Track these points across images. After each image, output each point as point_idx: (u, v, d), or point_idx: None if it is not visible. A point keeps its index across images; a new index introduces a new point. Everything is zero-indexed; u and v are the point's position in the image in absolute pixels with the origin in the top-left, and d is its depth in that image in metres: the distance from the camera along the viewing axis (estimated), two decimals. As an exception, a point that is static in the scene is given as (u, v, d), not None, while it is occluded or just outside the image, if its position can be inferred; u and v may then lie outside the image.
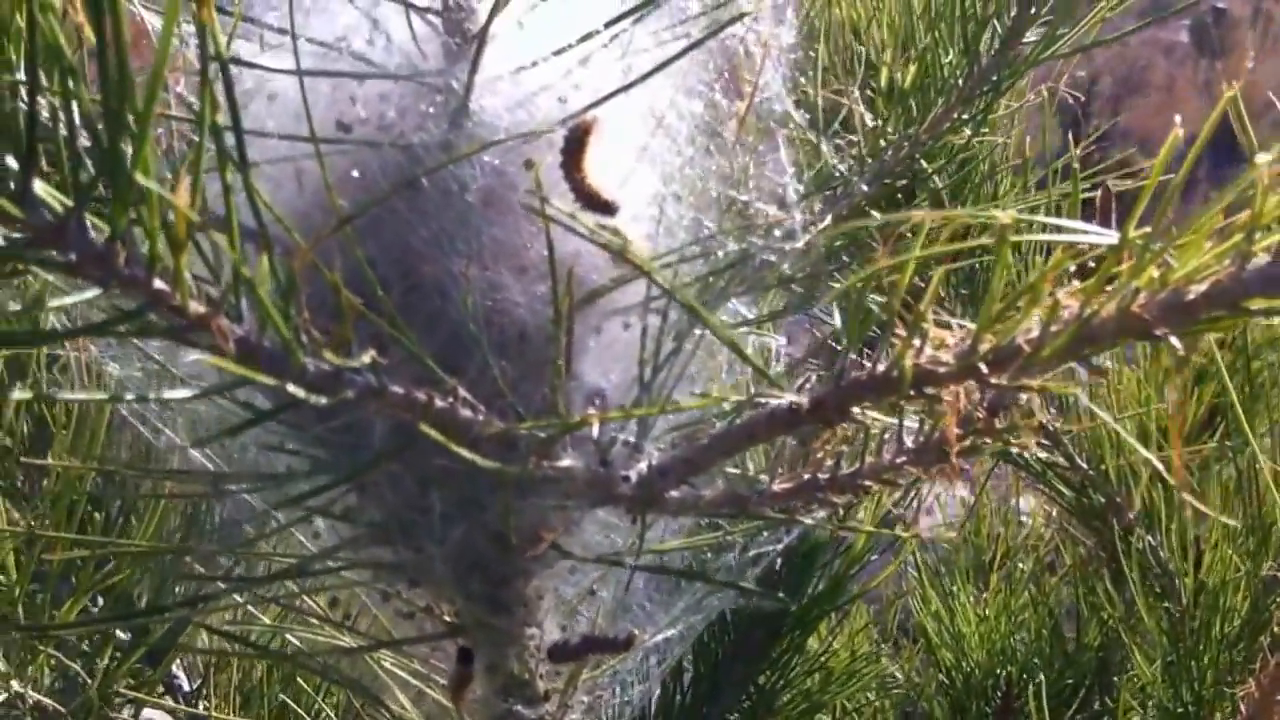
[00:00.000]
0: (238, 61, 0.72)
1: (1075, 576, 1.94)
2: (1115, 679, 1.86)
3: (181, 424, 0.87)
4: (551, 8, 0.78)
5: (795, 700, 1.52)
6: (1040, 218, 0.73)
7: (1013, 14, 1.13)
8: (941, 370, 0.69)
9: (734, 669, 1.49)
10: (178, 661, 1.30)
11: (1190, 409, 1.73)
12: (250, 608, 0.95)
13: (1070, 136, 1.32)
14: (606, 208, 0.72)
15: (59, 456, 1.06)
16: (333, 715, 1.23)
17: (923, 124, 1.16)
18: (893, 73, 1.15)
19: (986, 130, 1.19)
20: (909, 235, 0.96)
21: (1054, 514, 2.17)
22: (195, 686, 1.31)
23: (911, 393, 0.70)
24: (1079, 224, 0.63)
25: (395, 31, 0.77)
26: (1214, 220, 0.62)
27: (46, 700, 1.11)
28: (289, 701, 1.18)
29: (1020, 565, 2.20)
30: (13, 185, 0.53)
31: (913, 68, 1.10)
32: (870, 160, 1.15)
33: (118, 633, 1.17)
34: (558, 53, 0.76)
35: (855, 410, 0.74)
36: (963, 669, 1.93)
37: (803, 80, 1.06)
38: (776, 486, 0.85)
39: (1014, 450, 1.82)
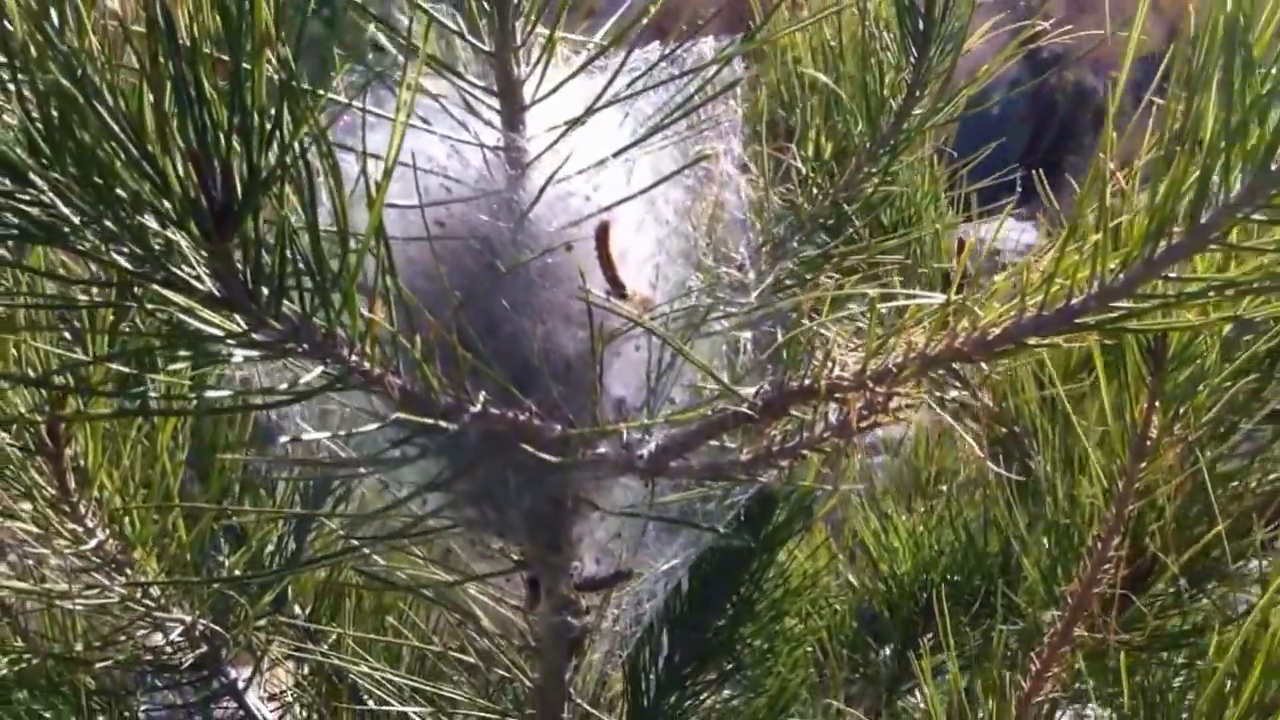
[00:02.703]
0: (390, 205, 0.97)
1: (983, 496, 2.17)
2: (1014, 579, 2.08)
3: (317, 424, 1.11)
4: (576, 136, 1.03)
5: (768, 606, 1.78)
6: (896, 290, 1.00)
7: (903, 97, 1.38)
8: (844, 383, 0.96)
9: (720, 583, 1.74)
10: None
11: (1071, 357, 1.95)
12: (375, 555, 1.19)
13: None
14: (621, 290, 0.98)
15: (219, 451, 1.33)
16: (417, 621, 1.47)
17: (841, 177, 1.41)
18: (818, 142, 1.40)
19: (890, 179, 1.43)
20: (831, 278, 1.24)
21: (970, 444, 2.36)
22: (307, 614, 1.56)
23: (826, 397, 0.98)
24: (922, 293, 0.90)
25: (473, 159, 1.02)
26: (1004, 287, 0.89)
27: (213, 625, 1.37)
28: (393, 623, 1.43)
29: (943, 488, 2.45)
30: (269, 307, 0.80)
31: (829, 145, 1.35)
32: (805, 205, 1.41)
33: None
34: (581, 171, 1.01)
35: (791, 409, 1.01)
36: (896, 576, 2.19)
37: (753, 149, 1.33)
38: (743, 456, 1.11)
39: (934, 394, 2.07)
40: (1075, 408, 1.69)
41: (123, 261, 0.76)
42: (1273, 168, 0.77)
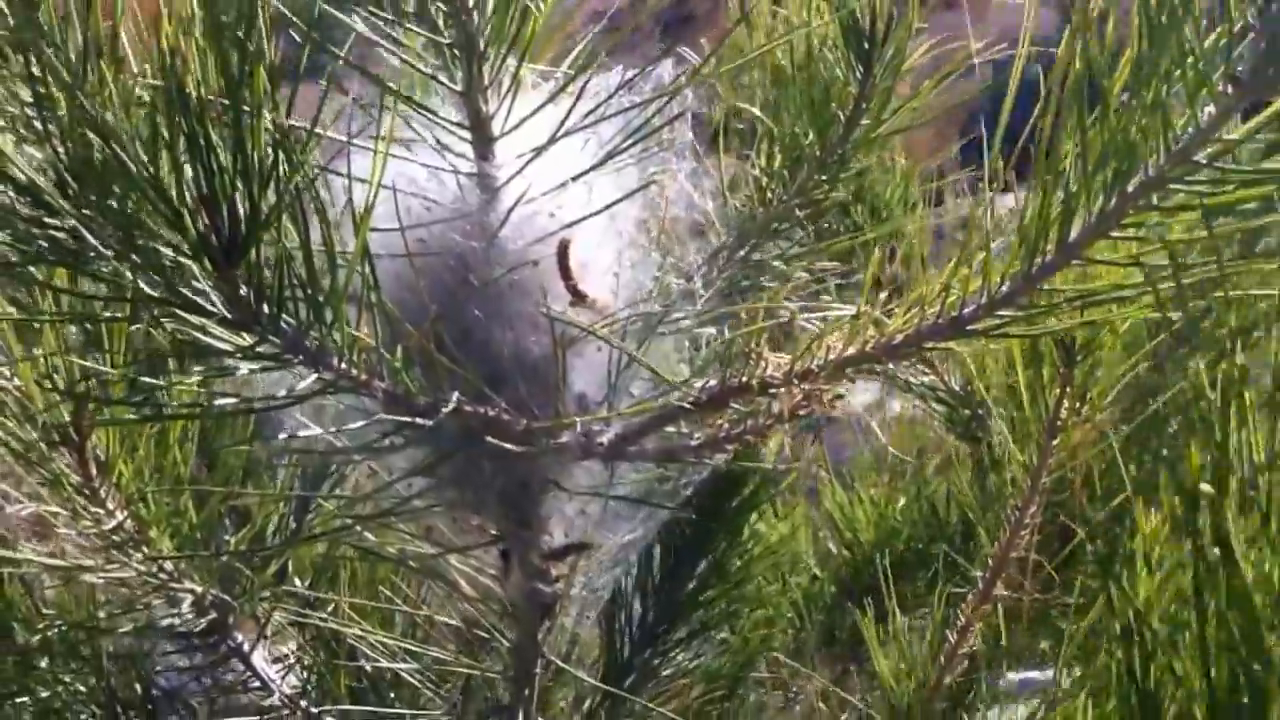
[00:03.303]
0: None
1: (945, 471, 2.32)
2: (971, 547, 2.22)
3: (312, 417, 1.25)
4: (541, 161, 1.16)
5: (734, 573, 1.91)
6: (821, 303, 1.13)
7: (850, 110, 1.50)
8: (775, 381, 1.10)
9: (690, 553, 1.88)
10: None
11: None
12: (367, 532, 1.33)
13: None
14: (582, 298, 1.12)
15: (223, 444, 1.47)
16: (408, 593, 1.61)
17: (793, 184, 1.54)
18: (770, 153, 1.53)
19: (839, 186, 1.55)
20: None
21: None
22: (307, 585, 1.70)
23: (759, 393, 1.11)
24: (838, 305, 1.03)
25: (450, 183, 1.15)
26: (911, 299, 1.02)
27: (220, 593, 1.50)
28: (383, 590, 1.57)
29: (909, 462, 2.59)
30: (272, 322, 0.93)
31: (779, 156, 1.48)
32: (760, 209, 1.53)
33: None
34: (545, 193, 1.15)
35: (730, 402, 1.15)
36: (860, 544, 2.34)
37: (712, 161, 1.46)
38: (693, 441, 1.25)
39: (901, 377, 2.20)
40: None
41: (143, 286, 0.89)
42: (1112, 202, 0.91)
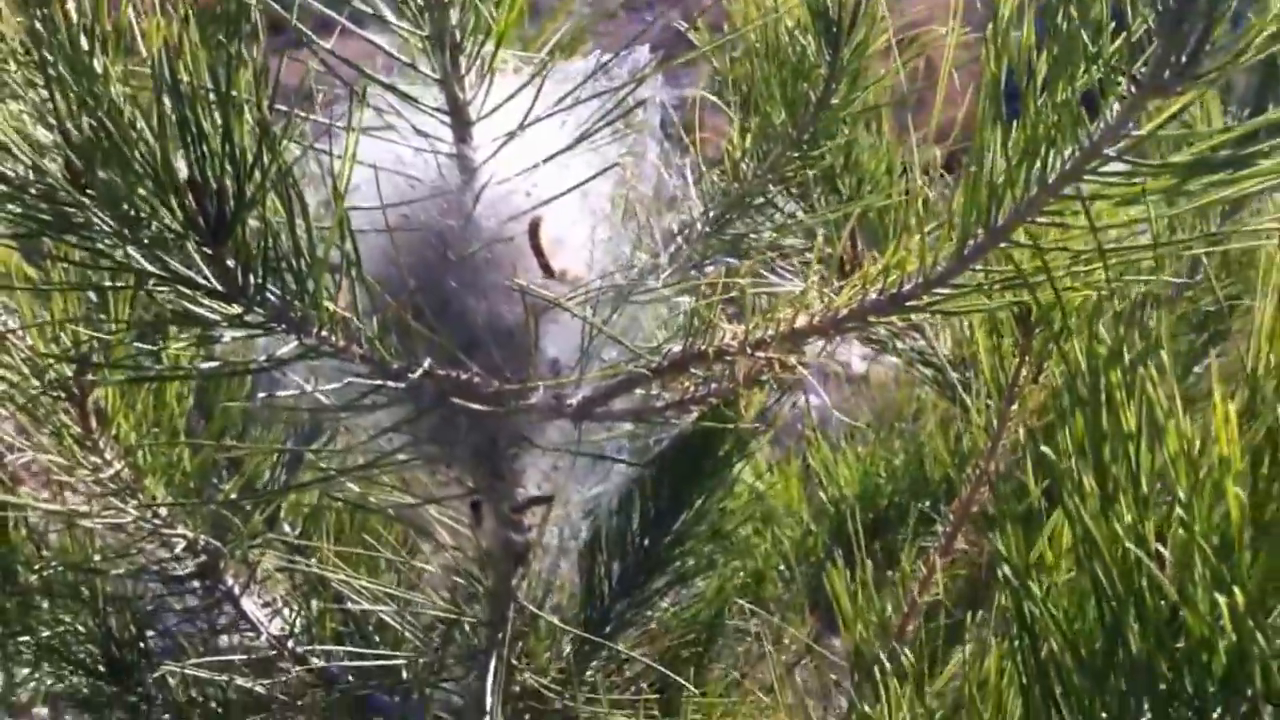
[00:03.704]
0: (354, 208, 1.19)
1: (931, 431, 2.41)
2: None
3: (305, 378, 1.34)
4: (518, 142, 1.25)
5: (714, 522, 2.01)
6: (773, 277, 1.23)
7: (820, 90, 1.58)
8: (731, 349, 1.20)
9: (669, 506, 1.98)
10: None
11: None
12: (351, 483, 1.43)
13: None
14: (551, 273, 1.21)
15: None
16: (392, 540, 1.71)
17: (766, 160, 1.62)
18: (744, 129, 1.61)
19: (812, 162, 1.63)
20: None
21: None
22: (298, 532, 1.80)
23: (716, 360, 1.21)
24: (787, 281, 1.13)
25: (431, 162, 1.25)
26: (856, 278, 1.12)
27: (211, 539, 1.61)
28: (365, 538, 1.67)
29: (896, 424, 2.69)
30: (258, 294, 1.03)
31: (751, 135, 1.57)
32: (735, 184, 1.62)
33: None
34: (521, 173, 1.24)
35: (690, 368, 1.25)
36: (844, 499, 2.44)
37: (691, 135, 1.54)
38: (659, 403, 1.35)
39: (890, 342, 2.29)
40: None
41: (139, 258, 0.99)
42: (1033, 191, 1.00)
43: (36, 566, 1.57)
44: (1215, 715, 0.79)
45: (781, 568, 2.60)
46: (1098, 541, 0.79)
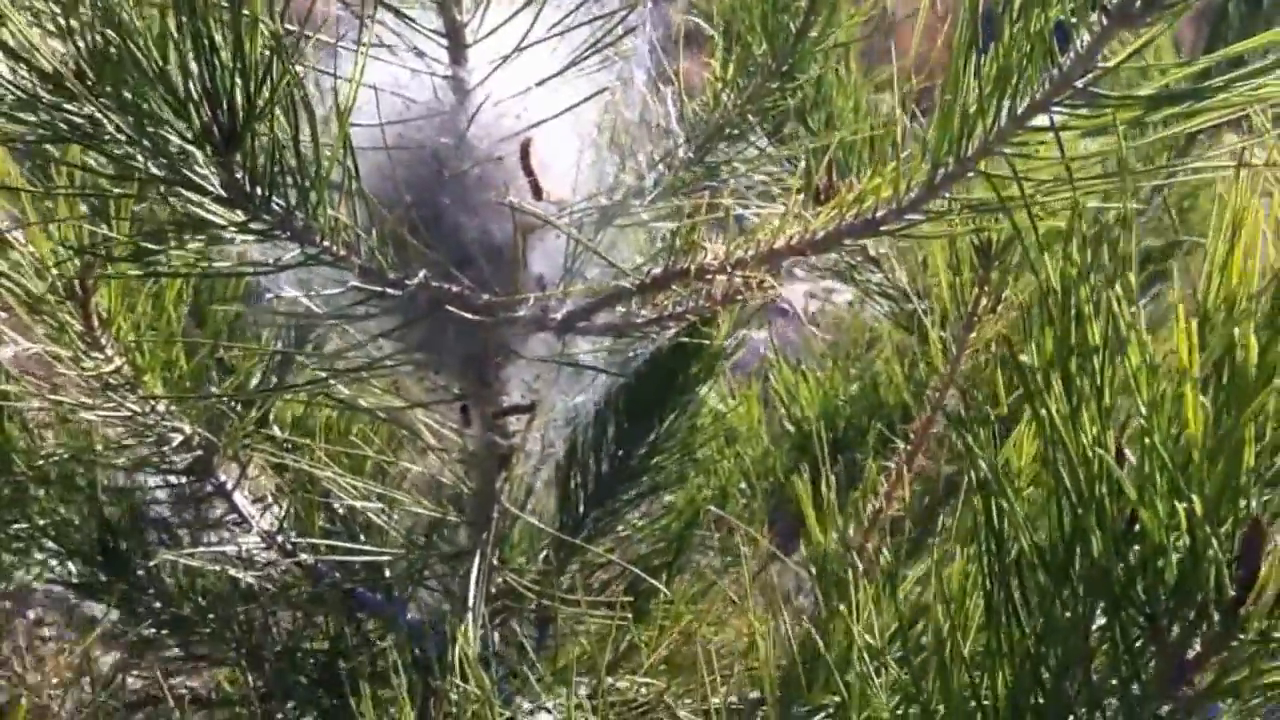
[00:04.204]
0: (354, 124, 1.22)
1: (888, 357, 2.46)
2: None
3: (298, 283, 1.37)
4: (512, 66, 1.28)
5: (682, 437, 2.06)
6: (754, 202, 1.26)
7: (800, 21, 1.61)
8: (710, 268, 1.23)
9: (642, 419, 2.03)
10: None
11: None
12: (340, 386, 1.47)
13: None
14: (540, 193, 1.25)
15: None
16: (379, 443, 1.74)
17: (746, 90, 1.65)
18: (726, 59, 1.64)
19: (790, 94, 1.66)
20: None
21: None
22: (286, 433, 1.84)
23: (697, 278, 1.25)
24: (770, 206, 1.17)
25: (426, 82, 1.27)
26: (833, 202, 1.16)
27: (206, 433, 1.64)
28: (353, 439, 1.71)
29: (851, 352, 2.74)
30: (263, 202, 1.06)
31: (734, 64, 1.59)
32: (716, 114, 1.64)
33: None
34: (513, 95, 1.27)
35: (671, 285, 1.29)
36: (808, 420, 2.49)
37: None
38: (639, 318, 1.39)
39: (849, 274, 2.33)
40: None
41: (152, 168, 1.02)
42: (1003, 121, 1.04)
43: (42, 454, 1.60)
44: (1164, 620, 0.84)
45: (743, 485, 2.64)
46: (1065, 446, 0.83)
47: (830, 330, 3.10)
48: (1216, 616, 0.78)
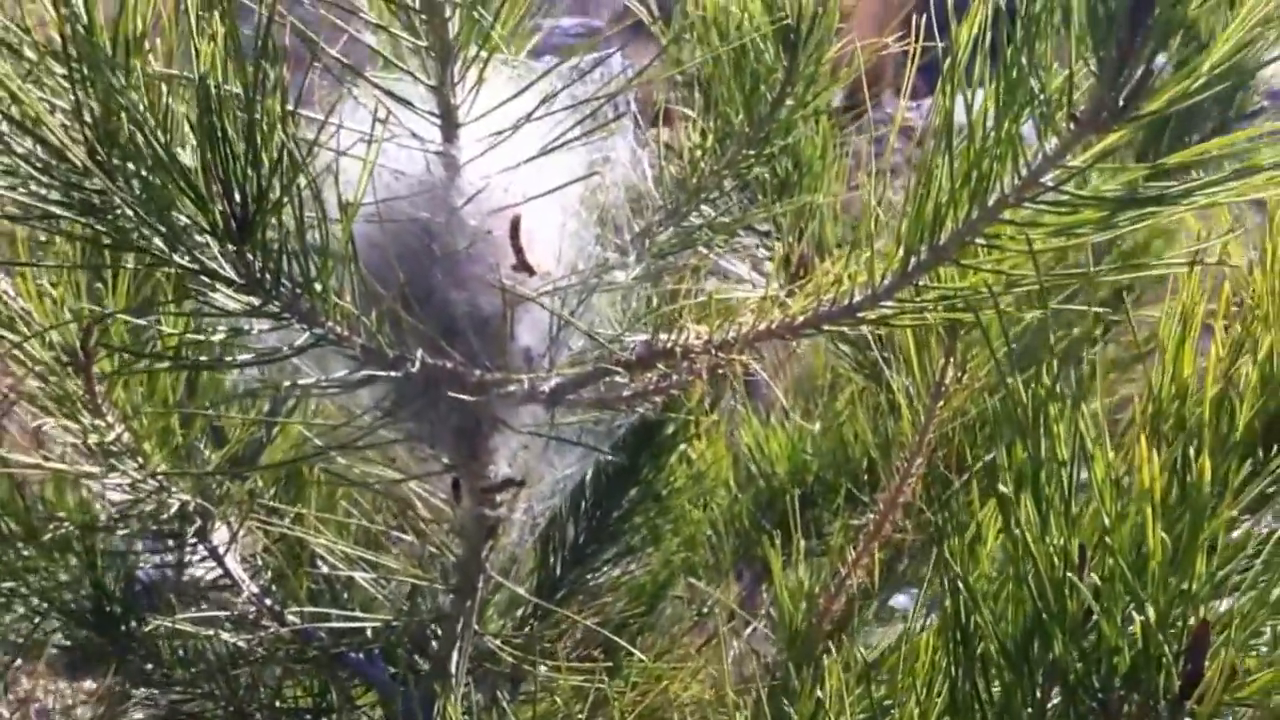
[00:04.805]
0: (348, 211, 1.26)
1: (852, 407, 2.50)
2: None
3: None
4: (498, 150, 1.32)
5: (656, 498, 2.09)
6: (733, 286, 1.31)
7: (775, 92, 1.65)
8: (695, 349, 1.27)
9: (618, 483, 2.06)
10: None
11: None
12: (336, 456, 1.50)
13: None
14: (528, 269, 1.29)
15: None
16: (366, 506, 1.77)
17: (724, 157, 1.69)
18: (704, 129, 1.68)
19: (763, 162, 1.70)
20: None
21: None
22: (274, 495, 1.87)
23: (682, 358, 1.29)
24: (751, 284, 1.21)
25: (417, 157, 1.31)
26: (809, 287, 1.20)
27: (202, 501, 1.67)
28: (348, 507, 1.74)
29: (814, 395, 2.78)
30: (274, 288, 1.09)
31: (711, 134, 1.64)
32: (693, 180, 1.69)
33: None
34: (500, 171, 1.31)
35: (656, 363, 1.33)
36: (777, 475, 2.53)
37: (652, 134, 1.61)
38: (625, 392, 1.43)
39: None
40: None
41: (181, 260, 1.06)
42: (974, 214, 1.09)
43: (51, 526, 1.63)
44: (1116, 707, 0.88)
45: (710, 533, 2.67)
46: (1033, 554, 0.88)
47: (793, 364, 3.13)
48: (1164, 708, 0.83)
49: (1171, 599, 0.81)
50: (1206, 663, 0.80)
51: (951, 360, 1.55)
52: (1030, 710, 0.92)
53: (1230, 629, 0.83)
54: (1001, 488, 0.88)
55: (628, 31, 1.75)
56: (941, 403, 1.58)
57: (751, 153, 1.68)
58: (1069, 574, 0.84)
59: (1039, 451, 0.86)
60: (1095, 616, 0.85)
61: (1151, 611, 0.80)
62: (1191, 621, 0.81)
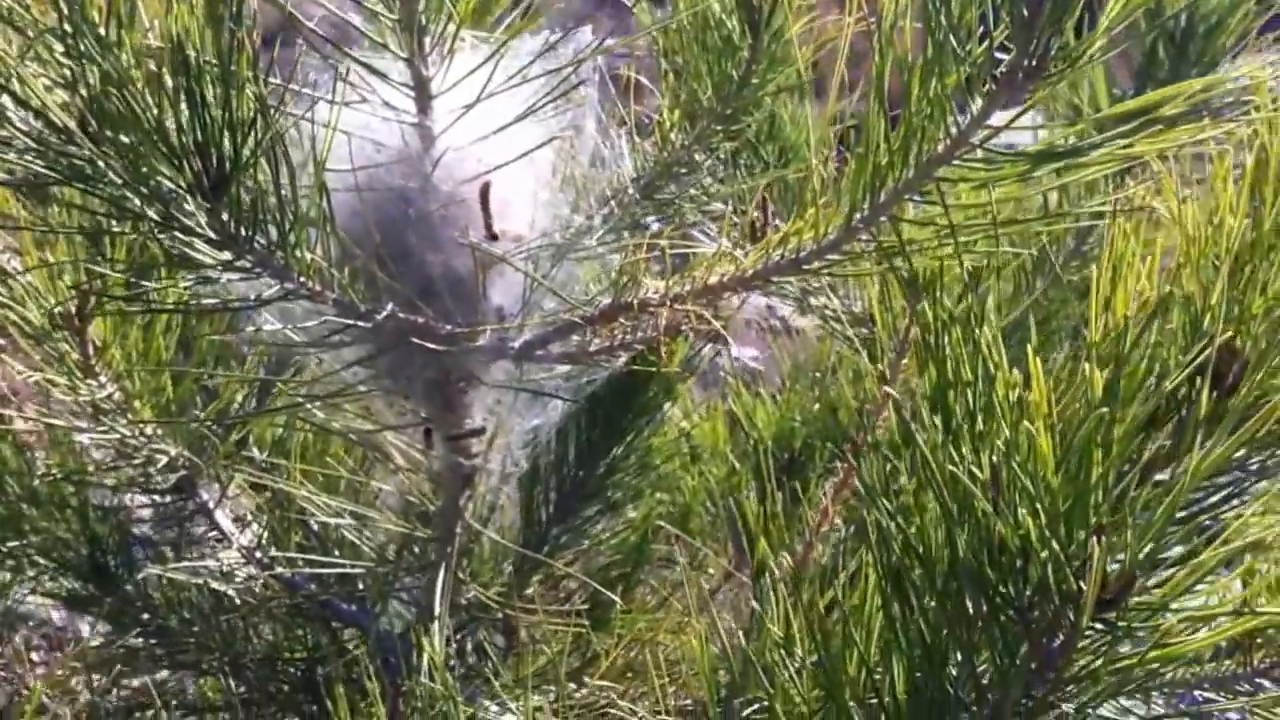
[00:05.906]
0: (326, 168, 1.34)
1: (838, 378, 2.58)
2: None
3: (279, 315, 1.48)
4: (473, 114, 1.39)
5: (638, 458, 2.17)
6: (701, 237, 1.38)
7: (743, 69, 1.72)
8: (652, 303, 1.35)
9: (602, 442, 2.13)
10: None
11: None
12: (315, 410, 1.57)
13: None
14: (494, 236, 1.36)
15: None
16: (352, 463, 1.85)
17: (693, 132, 1.76)
18: (673, 106, 1.75)
19: (734, 135, 1.77)
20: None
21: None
22: (265, 455, 1.94)
23: (640, 312, 1.37)
24: (705, 242, 1.28)
25: (395, 128, 1.39)
26: (760, 243, 1.27)
27: (190, 455, 1.75)
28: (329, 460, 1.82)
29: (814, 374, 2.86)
30: (247, 244, 1.17)
31: (679, 110, 1.71)
32: (664, 152, 1.75)
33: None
34: (473, 142, 1.38)
35: (618, 318, 1.40)
36: (764, 442, 2.60)
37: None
38: (591, 348, 1.51)
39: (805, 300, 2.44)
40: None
41: (147, 210, 1.13)
42: (910, 173, 1.16)
43: (39, 474, 1.71)
44: (1032, 614, 0.95)
45: (707, 503, 2.74)
46: (936, 471, 0.95)
47: (803, 349, 3.20)
48: (1070, 611, 0.90)
49: (1068, 505, 0.87)
50: (1097, 567, 0.87)
51: (914, 318, 1.61)
52: (963, 627, 0.99)
53: (1127, 537, 0.89)
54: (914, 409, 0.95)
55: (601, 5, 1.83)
56: (905, 359, 1.65)
57: (719, 127, 1.75)
58: (974, 487, 0.91)
59: (944, 373, 0.94)
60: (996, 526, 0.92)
61: (1044, 517, 0.87)
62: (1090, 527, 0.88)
